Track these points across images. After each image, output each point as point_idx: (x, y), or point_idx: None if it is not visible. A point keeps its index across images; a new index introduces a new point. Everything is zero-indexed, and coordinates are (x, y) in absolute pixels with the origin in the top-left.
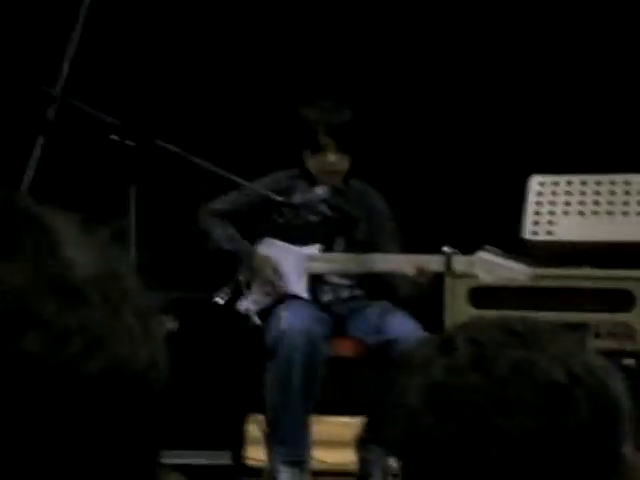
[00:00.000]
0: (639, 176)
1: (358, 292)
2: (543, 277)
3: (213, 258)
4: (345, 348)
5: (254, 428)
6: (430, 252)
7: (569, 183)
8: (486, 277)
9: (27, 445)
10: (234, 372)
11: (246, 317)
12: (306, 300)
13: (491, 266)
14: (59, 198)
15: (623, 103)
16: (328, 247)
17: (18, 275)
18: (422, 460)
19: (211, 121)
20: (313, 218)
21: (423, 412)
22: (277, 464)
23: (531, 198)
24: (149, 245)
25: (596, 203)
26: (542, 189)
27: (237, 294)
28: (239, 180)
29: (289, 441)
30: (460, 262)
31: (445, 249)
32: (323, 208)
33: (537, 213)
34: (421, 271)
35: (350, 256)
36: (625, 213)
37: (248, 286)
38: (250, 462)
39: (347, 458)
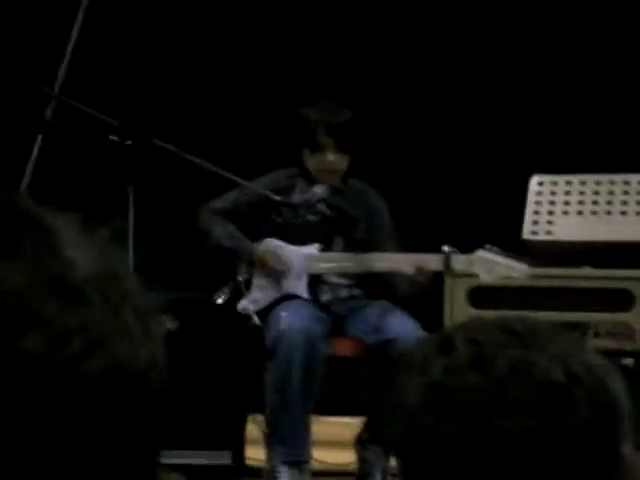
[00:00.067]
0: (638, 176)
1: (357, 292)
2: (542, 277)
3: (213, 258)
4: (344, 348)
5: (254, 428)
6: (429, 251)
7: (568, 183)
8: (485, 276)
9: (27, 445)
10: (234, 372)
11: (245, 317)
12: (305, 300)
13: (490, 265)
14: (58, 198)
15: (622, 103)
16: (327, 247)
17: (18, 275)
18: (421, 460)
19: (210, 120)
20: (312, 218)
21: (422, 412)
22: (277, 464)
23: (530, 198)
24: (148, 245)
25: (595, 203)
26: (541, 189)
27: (236, 294)
28: (238, 179)
29: (289, 441)
30: (459, 261)
31: (444, 248)
32: (322, 207)
33: (536, 213)
34: (420, 270)
35: (349, 255)
36: (624, 213)
37: (247, 286)
38: (250, 462)
39: (346, 458)
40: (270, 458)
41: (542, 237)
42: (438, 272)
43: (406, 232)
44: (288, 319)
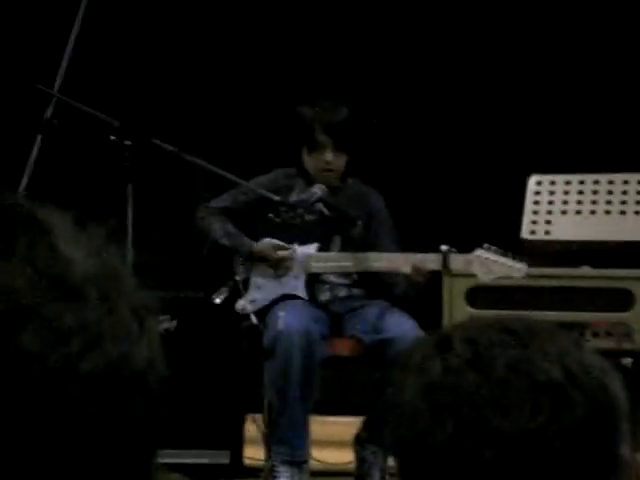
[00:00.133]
0: (637, 175)
1: (355, 291)
2: (541, 276)
3: (211, 257)
4: (343, 347)
5: (252, 428)
6: (428, 251)
7: (567, 182)
8: (484, 276)
9: (25, 443)
10: (232, 372)
11: (243, 317)
12: (304, 299)
13: (489, 265)
14: (57, 197)
15: (621, 103)
16: (325, 246)
17: (16, 275)
18: (419, 460)
19: (209, 120)
20: (310, 217)
21: (420, 412)
22: (276, 464)
23: (529, 197)
24: (147, 244)
25: (594, 202)
26: (540, 188)
27: (234, 294)
28: (237, 179)
29: (288, 441)
30: (457, 261)
31: (442, 248)
32: (320, 207)
33: (535, 212)
34: (418, 270)
35: (347, 255)
36: (623, 212)
37: (245, 286)
38: (249, 462)
39: (345, 458)
40: (269, 458)
41: (541, 237)
42: (436, 272)
43: (404, 231)
44: (286, 319)
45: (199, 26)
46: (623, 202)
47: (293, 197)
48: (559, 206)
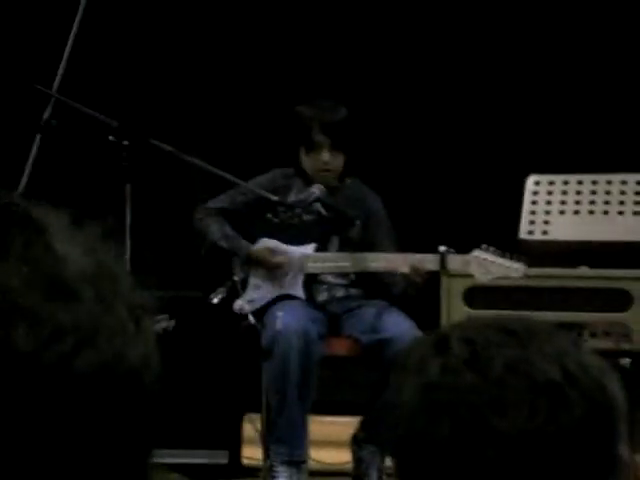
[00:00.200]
0: (635, 175)
1: (353, 291)
2: (539, 277)
3: (208, 259)
4: (340, 347)
5: (250, 428)
6: (426, 251)
7: (565, 183)
8: (482, 276)
9: (19, 442)
10: (230, 372)
11: (242, 317)
12: (301, 300)
13: (487, 265)
14: (56, 197)
15: (619, 103)
16: (323, 246)
17: (12, 274)
18: (417, 460)
19: (207, 120)
20: (308, 217)
21: (418, 412)
22: (275, 464)
23: (527, 197)
24: (145, 244)
25: (592, 203)
26: (538, 188)
27: (233, 294)
28: (235, 179)
29: (287, 441)
30: (455, 261)
31: (440, 248)
32: (318, 207)
33: (533, 212)
34: (416, 270)
35: (345, 255)
36: (621, 213)
37: (243, 286)
38: (247, 462)
39: (342, 458)
40: (268, 457)
41: (539, 237)
42: (434, 272)
43: (402, 232)
44: (284, 319)
45: (197, 26)
46: (621, 202)
47: (291, 197)
48: (557, 206)
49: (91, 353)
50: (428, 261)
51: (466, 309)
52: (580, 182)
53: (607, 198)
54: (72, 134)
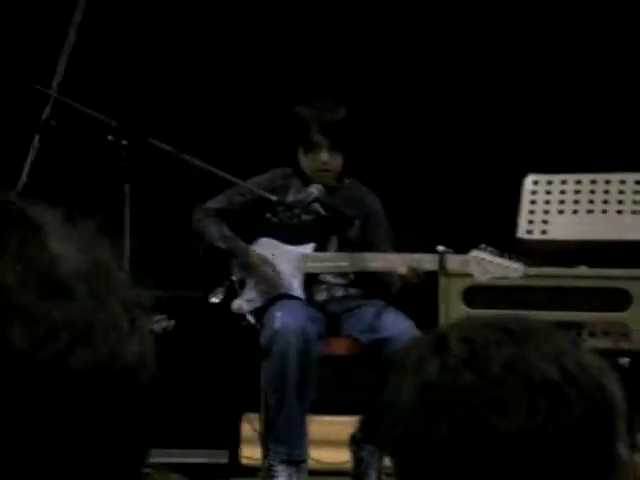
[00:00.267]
0: (634, 175)
1: (352, 291)
2: (537, 276)
3: (206, 259)
4: (339, 347)
5: (249, 427)
6: (424, 251)
7: (564, 182)
8: (480, 276)
9: (14, 440)
10: (229, 371)
11: (240, 316)
12: (300, 299)
13: (485, 265)
14: (54, 197)
15: (618, 102)
16: (322, 246)
17: (7, 272)
18: (416, 459)
19: (206, 120)
20: (307, 217)
21: (417, 411)
22: (275, 463)
23: (525, 197)
24: (144, 243)
25: (591, 202)
26: (536, 188)
27: (231, 294)
28: (233, 179)
29: (286, 440)
30: (454, 261)
31: (439, 248)
32: (317, 207)
33: (531, 212)
34: (414, 270)
35: (344, 255)
36: (620, 212)
37: (242, 286)
38: (246, 461)
39: (341, 457)
40: (267, 457)
41: (537, 236)
42: (433, 272)
43: (401, 232)
44: (283, 319)
45: (196, 26)
46: (620, 202)
47: (290, 197)
48: (556, 206)
49: (86, 350)
50: (427, 261)
51: (465, 309)
52: (579, 181)
53: (606, 197)
54: (71, 134)
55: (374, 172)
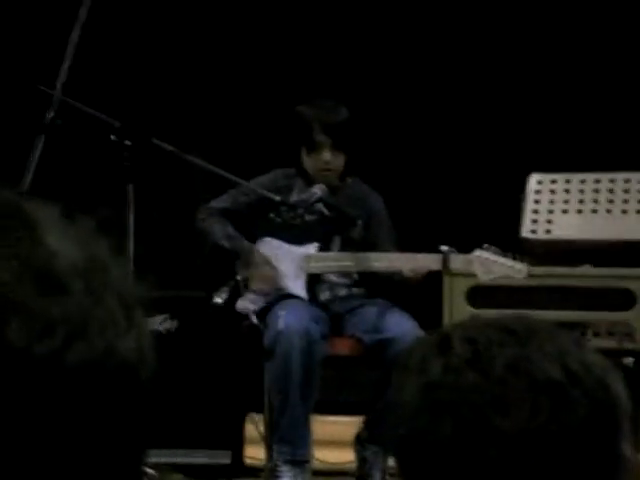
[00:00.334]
0: (638, 174)
1: (356, 291)
2: (541, 276)
3: (212, 257)
4: (343, 347)
5: (253, 428)
6: (428, 251)
7: (568, 181)
8: (484, 276)
9: (10, 438)
10: (233, 372)
11: (244, 316)
12: (304, 299)
13: (489, 265)
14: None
15: (622, 101)
16: (325, 246)
17: (3, 269)
18: (420, 459)
19: (209, 120)
20: (310, 217)
21: (420, 411)
22: (279, 463)
23: (530, 196)
24: (147, 244)
25: (595, 201)
26: (541, 187)
27: (235, 294)
28: (237, 179)
29: (290, 440)
30: (457, 261)
31: (442, 248)
32: (320, 207)
33: (535, 211)
34: (416, 272)
35: (347, 255)
36: (624, 211)
37: (246, 286)
38: (250, 461)
39: (345, 457)
40: (271, 457)
41: (541, 236)
42: (437, 272)
43: (404, 232)
44: (287, 319)
45: (199, 26)
46: (625, 201)
47: (293, 197)
48: (560, 205)
49: (82, 346)
50: (430, 261)
51: (469, 309)
52: (583, 181)
53: (610, 197)
54: (74, 134)
55: (377, 171)
